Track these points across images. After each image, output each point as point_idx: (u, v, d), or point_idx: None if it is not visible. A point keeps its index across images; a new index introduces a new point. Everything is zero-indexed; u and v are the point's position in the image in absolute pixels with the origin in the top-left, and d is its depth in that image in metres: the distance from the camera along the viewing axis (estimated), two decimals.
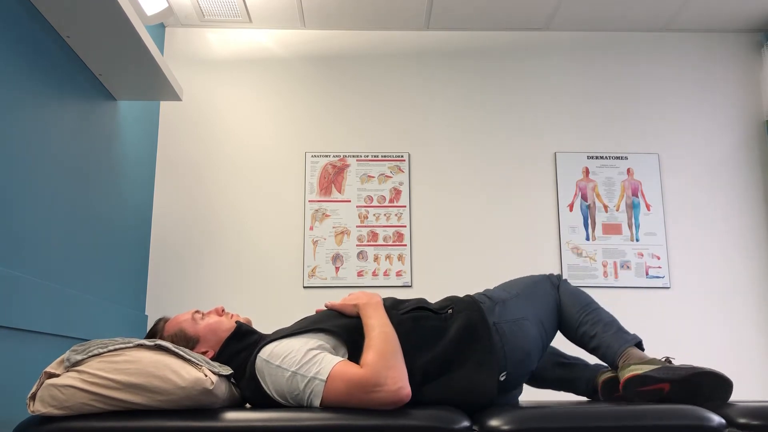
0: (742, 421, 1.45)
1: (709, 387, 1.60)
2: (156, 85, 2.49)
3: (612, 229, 3.12)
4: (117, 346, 1.42)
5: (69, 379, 1.36)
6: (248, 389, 1.57)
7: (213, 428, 1.36)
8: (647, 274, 3.07)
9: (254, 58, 3.26)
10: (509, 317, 1.75)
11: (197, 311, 1.75)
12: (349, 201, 3.12)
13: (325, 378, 1.44)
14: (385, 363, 1.46)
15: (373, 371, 1.43)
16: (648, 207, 3.14)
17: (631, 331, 1.83)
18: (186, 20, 3.20)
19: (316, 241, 3.06)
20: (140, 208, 2.91)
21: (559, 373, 2.00)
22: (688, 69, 3.31)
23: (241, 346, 1.68)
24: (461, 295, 1.86)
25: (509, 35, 3.33)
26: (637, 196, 3.16)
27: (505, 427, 1.40)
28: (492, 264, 3.06)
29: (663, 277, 3.06)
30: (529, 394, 2.09)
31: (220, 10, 3.09)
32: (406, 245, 3.07)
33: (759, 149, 3.23)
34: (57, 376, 1.38)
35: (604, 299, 2.99)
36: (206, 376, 1.42)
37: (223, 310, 1.78)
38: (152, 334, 1.73)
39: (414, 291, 3.00)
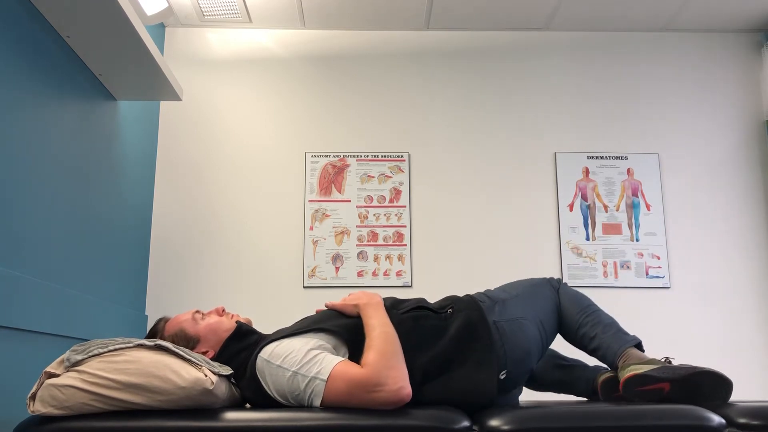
0: (742, 421, 1.45)
1: (709, 387, 1.60)
2: (156, 85, 2.49)
3: (612, 229, 3.12)
4: (117, 346, 1.42)
5: (69, 379, 1.36)
6: (249, 389, 1.58)
7: (213, 428, 1.36)
8: (647, 274, 3.07)
9: (254, 58, 3.26)
10: (509, 316, 1.76)
11: (198, 311, 1.75)
12: (349, 201, 3.12)
13: (325, 378, 1.44)
14: (386, 363, 1.46)
15: (373, 371, 1.44)
16: (648, 207, 3.14)
17: (631, 332, 1.83)
18: (186, 20, 3.20)
19: (316, 241, 3.06)
20: (140, 208, 2.91)
21: (558, 375, 2.00)
22: (688, 69, 3.31)
23: (241, 346, 1.68)
24: (461, 295, 1.86)
25: (509, 35, 3.33)
26: (637, 196, 3.16)
27: (505, 427, 1.40)
28: (492, 264, 3.06)
29: (663, 277, 3.07)
30: (529, 395, 2.09)
31: (220, 10, 3.09)
32: (406, 245, 3.07)
33: (759, 149, 3.23)
34: (57, 376, 1.38)
35: (604, 299, 3.00)
36: (206, 376, 1.42)
37: (223, 311, 1.78)
38: (153, 333, 1.73)
39: (414, 291, 3.00)
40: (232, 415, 1.40)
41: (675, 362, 1.70)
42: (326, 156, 3.16)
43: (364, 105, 3.23)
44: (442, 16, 3.19)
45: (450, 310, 1.75)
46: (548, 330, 1.83)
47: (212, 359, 1.62)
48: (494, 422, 1.42)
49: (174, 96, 2.60)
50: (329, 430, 1.38)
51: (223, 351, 1.68)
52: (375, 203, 3.12)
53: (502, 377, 1.66)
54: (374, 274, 3.04)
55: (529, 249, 3.09)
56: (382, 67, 3.28)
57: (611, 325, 1.82)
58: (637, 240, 3.10)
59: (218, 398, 1.45)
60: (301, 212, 3.10)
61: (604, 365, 1.85)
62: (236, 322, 1.75)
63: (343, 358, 1.51)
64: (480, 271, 3.05)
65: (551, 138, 3.22)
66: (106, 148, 2.52)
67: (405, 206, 3.12)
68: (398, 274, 3.04)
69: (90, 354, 1.40)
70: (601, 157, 3.20)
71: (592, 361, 1.95)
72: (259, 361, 1.55)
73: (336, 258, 3.05)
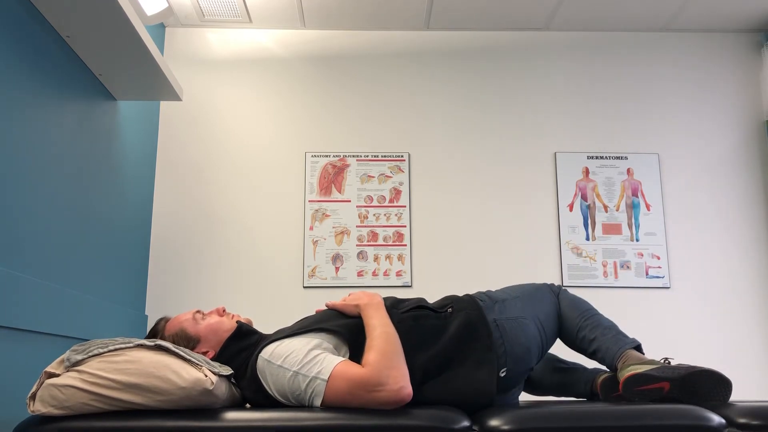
0: (742, 421, 1.45)
1: (709, 386, 1.60)
2: (156, 85, 2.49)
3: (612, 229, 3.12)
4: (117, 346, 1.42)
5: (69, 379, 1.36)
6: (249, 389, 1.58)
7: (213, 428, 1.36)
8: (647, 274, 3.07)
9: (254, 58, 3.26)
10: (509, 315, 1.77)
11: (198, 311, 1.75)
12: (349, 201, 3.12)
13: (326, 378, 1.44)
14: (387, 363, 1.46)
15: (374, 371, 1.44)
16: (648, 207, 3.14)
17: (631, 332, 1.83)
18: (186, 20, 3.20)
19: (316, 241, 3.06)
20: (140, 208, 2.91)
21: (557, 377, 2.00)
22: (688, 69, 3.31)
23: (241, 346, 1.68)
24: (460, 294, 1.87)
25: (509, 35, 3.33)
26: (637, 196, 3.16)
27: (505, 427, 1.40)
28: (492, 264, 3.06)
29: (663, 277, 3.07)
30: (529, 396, 2.09)
31: (220, 10, 3.09)
32: (406, 245, 3.07)
33: (759, 149, 3.23)
34: (57, 375, 1.38)
35: (604, 299, 3.02)
36: (206, 376, 1.42)
37: (224, 311, 1.78)
38: (153, 333, 1.74)
39: (414, 291, 3.00)
40: (232, 415, 1.40)
41: (674, 362, 1.70)
42: (326, 156, 3.16)
43: (364, 105, 3.23)
44: (442, 16, 3.19)
45: (450, 309, 1.75)
46: (548, 332, 1.83)
47: (212, 359, 1.62)
48: (494, 422, 1.42)
49: (174, 96, 2.60)
50: (329, 430, 1.38)
51: (224, 351, 1.68)
52: (375, 203, 3.12)
53: (502, 375, 1.66)
54: (374, 274, 3.04)
55: (529, 249, 3.09)
56: (382, 67, 3.28)
57: (611, 328, 1.83)
58: (637, 240, 3.10)
59: (218, 398, 1.45)
60: (301, 212, 3.10)
61: (604, 368, 1.85)
62: (237, 322, 1.75)
63: (343, 358, 1.51)
64: (480, 271, 3.05)
65: (551, 138, 3.22)
66: (106, 148, 2.52)
67: (405, 206, 3.12)
68: (398, 274, 3.04)
69: (90, 354, 1.40)
70: (601, 157, 3.20)
71: (591, 365, 1.95)
72: (259, 361, 1.55)
73: (336, 258, 3.05)
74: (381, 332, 1.56)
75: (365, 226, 3.09)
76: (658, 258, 3.08)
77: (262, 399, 1.55)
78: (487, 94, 3.26)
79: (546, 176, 3.18)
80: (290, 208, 3.10)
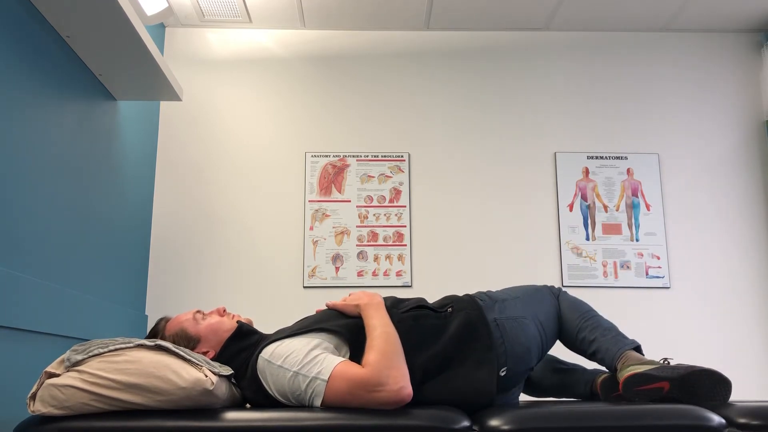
0: (742, 421, 1.45)
1: (708, 386, 1.60)
2: (156, 85, 2.49)
3: (612, 229, 3.12)
4: (117, 346, 1.42)
5: (69, 379, 1.36)
6: (249, 389, 1.58)
7: (213, 428, 1.36)
8: (647, 274, 3.07)
9: (254, 58, 3.26)
10: (509, 315, 1.77)
11: (198, 311, 1.75)
12: (349, 201, 3.12)
13: (326, 378, 1.44)
14: (387, 363, 1.46)
15: (374, 371, 1.44)
16: (648, 207, 3.15)
17: (631, 332, 1.84)
18: (186, 20, 3.20)
19: (316, 241, 3.06)
20: (140, 208, 2.91)
21: (557, 378, 2.00)
22: (688, 69, 3.31)
23: (242, 346, 1.68)
24: (460, 294, 1.87)
25: (509, 35, 3.33)
26: (637, 196, 3.16)
27: (505, 427, 1.40)
28: (492, 264, 3.06)
29: (663, 277, 3.07)
30: (529, 397, 2.09)
31: (220, 10, 3.09)
32: (406, 245, 3.07)
33: (759, 149, 3.23)
34: (57, 375, 1.38)
35: (603, 299, 3.02)
36: (206, 376, 1.42)
37: (224, 311, 1.78)
38: (153, 333, 1.74)
39: (414, 291, 3.00)
40: (232, 415, 1.40)
41: (674, 362, 1.70)
42: (326, 156, 3.16)
43: (364, 105, 3.23)
44: (442, 16, 3.19)
45: (450, 309, 1.75)
46: (548, 332, 1.83)
47: (213, 359, 1.62)
48: (494, 422, 1.42)
49: (174, 96, 2.60)
50: (329, 430, 1.38)
51: (224, 351, 1.68)
52: (375, 203, 3.12)
53: (502, 374, 1.67)
54: (374, 274, 3.04)
55: (529, 249, 3.09)
56: (382, 67, 3.28)
57: (610, 329, 1.83)
58: (637, 240, 3.10)
59: (218, 398, 1.45)
60: (301, 212, 3.10)
61: (603, 368, 1.85)
62: (237, 322, 1.75)
63: (343, 358, 1.51)
64: (480, 271, 3.05)
65: (551, 138, 3.22)
66: (106, 148, 2.52)
67: (405, 206, 3.12)
68: (398, 274, 3.04)
69: (90, 354, 1.40)
70: (601, 157, 3.20)
71: (591, 366, 1.95)
72: (260, 361, 1.55)
73: (336, 258, 3.05)
74: (381, 332, 1.56)
75: (365, 226, 3.09)
76: (658, 258, 3.08)
77: (262, 399, 1.55)
78: (487, 94, 3.26)
79: (546, 176, 3.18)
80: (290, 208, 3.10)
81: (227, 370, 1.55)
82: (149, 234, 3.03)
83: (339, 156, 3.16)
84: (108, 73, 2.38)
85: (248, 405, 1.61)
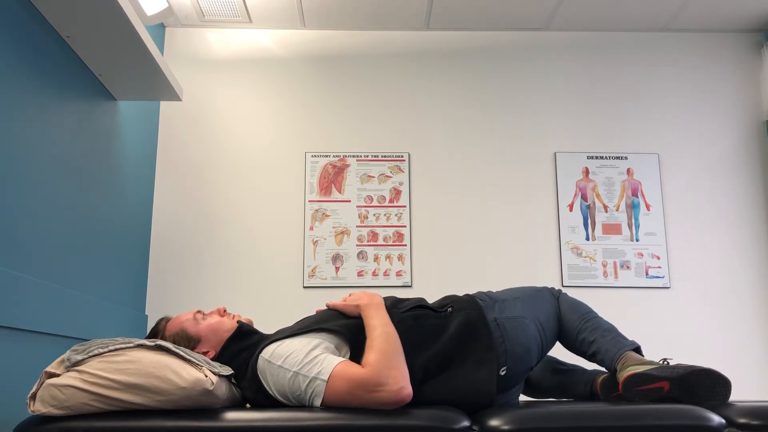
0: (742, 421, 1.46)
1: (708, 385, 1.60)
2: (156, 85, 2.49)
3: (612, 229, 3.12)
4: (117, 346, 1.43)
5: (69, 379, 1.36)
6: (250, 389, 1.58)
7: (213, 428, 1.36)
8: (647, 274, 3.07)
9: (254, 58, 3.26)
10: (509, 314, 1.77)
11: (199, 311, 1.76)
12: (349, 201, 3.12)
13: (326, 378, 1.45)
14: (387, 363, 1.47)
15: (374, 371, 1.44)
16: (648, 207, 3.14)
17: (631, 332, 1.84)
18: (186, 20, 3.20)
19: (316, 241, 3.06)
20: (140, 208, 2.91)
21: (557, 379, 2.00)
22: (688, 69, 3.31)
23: (242, 346, 1.68)
24: (460, 294, 1.87)
25: (509, 35, 3.33)
26: (637, 196, 3.16)
27: (505, 427, 1.40)
28: (492, 264, 3.06)
29: (663, 277, 3.07)
30: (529, 398, 2.09)
31: (220, 10, 3.09)
32: (406, 245, 3.07)
33: (759, 149, 3.23)
34: (57, 375, 1.38)
35: (603, 299, 3.02)
36: (206, 376, 1.42)
37: (224, 311, 1.78)
38: (154, 333, 1.74)
39: (414, 291, 3.00)
40: (232, 415, 1.40)
41: (673, 362, 1.70)
42: (326, 156, 3.16)
43: (364, 105, 3.23)
44: (442, 16, 3.19)
45: (450, 309, 1.75)
46: (548, 333, 1.84)
47: (213, 359, 1.62)
48: (494, 422, 1.42)
49: (174, 96, 2.60)
50: (329, 430, 1.38)
51: (224, 351, 1.68)
52: (375, 203, 3.12)
53: (502, 374, 1.67)
54: (374, 274, 3.04)
55: (529, 249, 3.09)
56: (382, 67, 3.28)
57: (610, 330, 1.83)
58: (637, 240, 3.10)
59: (218, 398, 1.45)
60: (301, 212, 3.10)
61: (603, 369, 1.85)
62: (237, 322, 1.75)
63: (343, 359, 1.52)
64: (480, 271, 3.05)
65: (551, 138, 3.22)
66: (106, 148, 2.52)
67: (405, 206, 3.12)
68: (398, 274, 3.04)
69: (90, 354, 1.40)
70: (601, 157, 3.20)
71: (590, 367, 1.95)
72: (260, 362, 1.55)
73: (336, 258, 3.05)
74: (381, 332, 1.56)
75: (365, 226, 3.09)
76: (658, 258, 3.08)
77: (262, 399, 1.55)
78: (487, 94, 3.26)
79: (546, 176, 3.18)
80: (290, 208, 3.10)
81: (227, 370, 1.55)
82: (149, 234, 3.03)
83: (339, 156, 3.16)
84: (108, 73, 2.38)
85: (248, 405, 1.61)
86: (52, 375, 1.38)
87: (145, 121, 2.98)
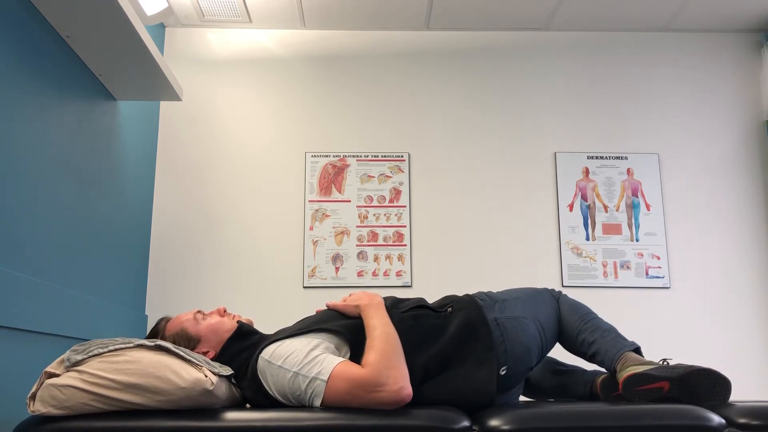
0: (742, 421, 1.46)
1: (708, 385, 1.60)
2: (156, 85, 2.49)
3: (612, 229, 3.12)
4: (117, 346, 1.42)
5: (69, 379, 1.36)
6: (249, 389, 1.58)
7: (213, 428, 1.36)
8: (647, 274, 3.07)
9: (254, 58, 3.26)
10: (509, 314, 1.77)
11: (199, 311, 1.76)
12: (349, 201, 3.12)
13: (326, 378, 1.45)
14: (387, 363, 1.46)
15: (374, 371, 1.44)
16: (648, 207, 3.14)
17: (631, 332, 1.84)
18: (186, 20, 3.20)
19: (316, 241, 3.06)
20: (140, 209, 2.91)
21: (557, 380, 2.00)
22: (688, 69, 3.31)
23: (242, 346, 1.68)
24: (460, 294, 1.87)
25: (509, 35, 3.33)
26: (637, 196, 3.16)
27: (505, 427, 1.40)
28: (492, 264, 3.06)
29: (663, 277, 3.07)
30: (529, 398, 2.09)
31: (220, 10, 3.09)
32: (406, 245, 3.07)
33: (759, 149, 3.23)
34: (57, 376, 1.38)
35: (604, 299, 3.02)
36: (206, 376, 1.42)
37: (225, 311, 1.78)
38: (154, 333, 1.74)
39: (414, 291, 3.00)
40: (232, 415, 1.40)
41: (673, 362, 1.70)
42: (326, 156, 3.16)
43: (364, 105, 3.23)
44: (442, 16, 3.19)
45: (449, 309, 1.75)
46: (548, 334, 1.84)
47: (213, 359, 1.62)
48: (494, 422, 1.42)
49: (174, 96, 2.60)
50: (329, 430, 1.38)
51: (224, 351, 1.68)
52: (375, 203, 3.12)
53: (502, 373, 1.67)
54: (374, 274, 3.04)
55: (529, 249, 3.09)
56: (382, 67, 3.28)
57: (610, 331, 1.84)
58: (637, 240, 3.10)
59: (218, 399, 1.45)
60: (301, 212, 3.10)
61: (603, 370, 1.85)
62: (237, 322, 1.75)
63: (343, 359, 1.51)
64: (480, 271, 3.05)
65: (551, 138, 3.22)
66: (106, 148, 2.52)
67: (405, 206, 3.12)
68: (398, 274, 3.04)
69: (90, 354, 1.40)
70: (601, 157, 3.20)
71: (590, 368, 1.95)
72: (260, 362, 1.55)
73: (336, 258, 3.05)
74: (381, 332, 1.56)
75: (365, 226, 3.09)
76: (658, 258, 3.08)
77: (262, 399, 1.55)
78: (487, 94, 3.26)
79: (546, 176, 3.18)
80: (290, 208, 3.10)
81: (227, 370, 1.55)
82: (149, 234, 3.03)
83: (339, 156, 3.16)
84: (108, 73, 2.38)
85: (248, 405, 1.61)
86: (52, 375, 1.38)
87: (145, 121, 2.98)
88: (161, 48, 3.22)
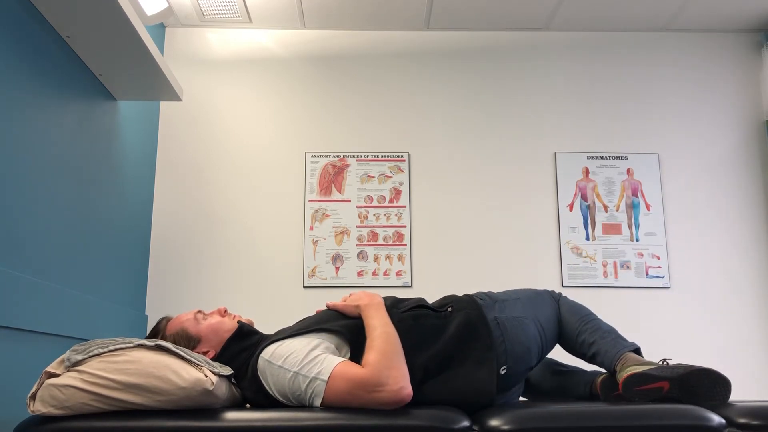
0: (742, 421, 1.46)
1: (708, 385, 1.60)
2: (156, 85, 2.49)
3: (612, 229, 3.12)
4: (117, 346, 1.43)
5: (69, 379, 1.36)
6: (250, 389, 1.58)
7: (213, 428, 1.36)
8: (647, 274, 3.07)
9: (254, 58, 3.26)
10: (510, 314, 1.77)
11: (199, 311, 1.76)
12: (349, 201, 3.12)
13: (326, 378, 1.45)
14: (387, 363, 1.47)
15: (374, 371, 1.44)
16: (648, 207, 3.14)
17: (631, 332, 1.84)
18: (186, 20, 3.20)
19: (316, 241, 3.06)
20: (140, 208, 2.92)
21: (557, 380, 2.00)
22: (688, 69, 3.31)
23: (242, 346, 1.68)
24: (460, 294, 1.87)
25: (509, 35, 3.33)
26: (637, 196, 3.16)
27: (505, 427, 1.40)
28: (492, 264, 3.06)
29: (663, 277, 3.07)
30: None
31: (220, 10, 3.09)
32: (406, 245, 3.07)
33: (759, 149, 3.23)
34: (57, 375, 1.38)
35: (604, 299, 3.02)
36: (206, 376, 1.42)
37: (225, 311, 1.79)
38: (154, 333, 1.74)
39: (414, 291, 3.00)
40: (232, 415, 1.40)
41: (673, 362, 1.70)
42: (326, 156, 3.16)
43: (364, 105, 3.23)
44: (442, 16, 3.19)
45: (449, 308, 1.75)
46: (548, 334, 1.84)
47: (213, 359, 1.62)
48: (494, 422, 1.42)
49: (174, 96, 2.60)
50: (329, 430, 1.38)
51: (225, 351, 1.68)
52: (375, 203, 3.12)
53: (502, 372, 1.67)
54: (374, 274, 3.04)
55: (529, 249, 3.09)
56: (382, 67, 3.28)
57: (610, 331, 1.84)
58: (637, 240, 3.10)
59: (218, 398, 1.45)
60: (301, 212, 3.10)
61: (603, 370, 1.85)
62: (238, 322, 1.75)
63: (343, 359, 1.52)
64: (480, 271, 3.05)
65: (551, 138, 3.22)
66: (106, 148, 2.52)
67: (405, 206, 3.12)
68: (398, 274, 3.04)
69: (90, 354, 1.40)
70: (601, 157, 3.20)
71: (590, 369, 1.95)
72: (260, 362, 1.56)
73: (336, 258, 3.05)
74: (381, 332, 1.56)
75: (365, 226, 3.09)
76: (658, 258, 3.08)
77: (262, 399, 1.55)
78: (487, 94, 3.26)
79: (546, 176, 3.18)
80: (290, 208, 3.10)
81: (227, 370, 1.55)
82: (149, 234, 3.03)
83: (339, 156, 3.16)
84: (108, 73, 2.38)
85: (248, 405, 1.61)
86: (52, 375, 1.38)
87: (145, 121, 2.98)
88: (161, 48, 3.22)
